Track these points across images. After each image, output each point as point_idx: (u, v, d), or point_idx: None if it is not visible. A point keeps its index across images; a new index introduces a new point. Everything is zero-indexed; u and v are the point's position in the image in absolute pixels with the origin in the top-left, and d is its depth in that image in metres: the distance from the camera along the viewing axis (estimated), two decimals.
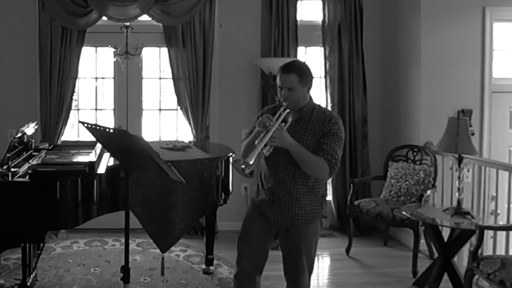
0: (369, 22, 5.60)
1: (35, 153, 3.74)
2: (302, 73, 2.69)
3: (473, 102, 5.03)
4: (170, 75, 5.42)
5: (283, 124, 2.62)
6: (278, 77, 2.72)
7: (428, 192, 4.53)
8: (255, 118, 2.84)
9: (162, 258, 4.10)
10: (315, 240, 2.80)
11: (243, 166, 2.49)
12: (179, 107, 5.47)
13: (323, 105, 5.44)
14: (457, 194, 3.90)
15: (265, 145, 2.55)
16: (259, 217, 2.81)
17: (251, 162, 2.47)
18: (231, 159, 4.13)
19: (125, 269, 3.01)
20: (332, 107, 5.50)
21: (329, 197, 5.66)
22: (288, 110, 2.65)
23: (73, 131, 5.84)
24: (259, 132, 2.57)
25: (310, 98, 2.78)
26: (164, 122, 5.73)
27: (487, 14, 5.00)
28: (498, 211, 4.26)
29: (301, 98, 2.71)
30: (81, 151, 3.74)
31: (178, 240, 3.84)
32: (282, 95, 2.70)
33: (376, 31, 5.71)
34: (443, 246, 3.94)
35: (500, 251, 4.09)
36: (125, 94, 5.54)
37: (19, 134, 3.42)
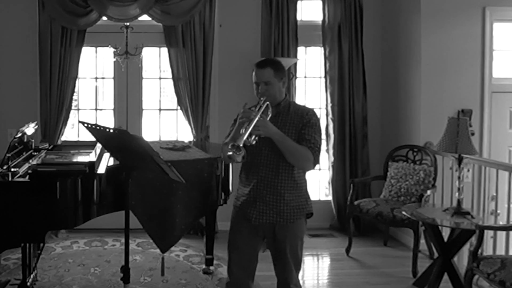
0: (369, 22, 5.60)
1: (35, 153, 3.74)
2: (277, 67, 2.77)
3: (473, 102, 5.03)
4: (170, 75, 5.42)
5: (265, 116, 2.65)
6: (253, 74, 2.78)
7: (428, 192, 4.53)
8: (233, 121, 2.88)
9: (162, 258, 4.10)
10: (301, 238, 2.82)
11: (229, 153, 2.49)
12: (179, 107, 5.47)
13: (323, 105, 5.56)
14: (457, 194, 3.90)
15: (250, 135, 2.56)
16: (244, 221, 2.80)
17: (241, 144, 2.46)
18: None
19: (125, 269, 3.01)
20: (332, 107, 5.50)
21: (329, 197, 5.67)
22: (268, 103, 2.70)
23: (73, 131, 5.85)
24: (242, 123, 2.58)
25: (286, 94, 2.85)
26: (164, 122, 5.73)
27: (487, 14, 5.00)
28: (498, 211, 4.26)
29: (277, 93, 2.77)
30: (81, 151, 3.74)
31: (178, 240, 3.84)
32: (259, 91, 2.75)
33: (376, 31, 5.71)
34: (443, 246, 3.94)
35: (500, 251, 4.09)
36: (125, 94, 5.54)
37: (19, 134, 3.42)
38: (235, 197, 2.90)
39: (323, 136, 5.56)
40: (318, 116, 2.83)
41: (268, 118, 2.67)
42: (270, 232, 2.77)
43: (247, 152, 2.75)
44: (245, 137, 2.49)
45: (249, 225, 2.78)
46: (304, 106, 2.86)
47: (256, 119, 2.55)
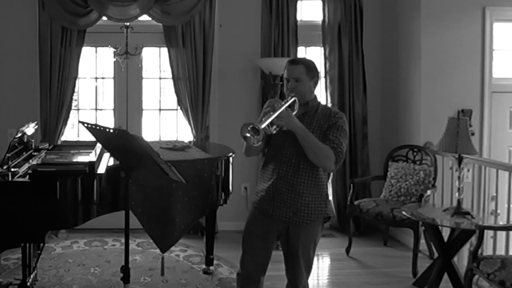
0: (369, 22, 5.60)
1: (35, 153, 3.74)
2: (309, 66, 2.77)
3: (473, 102, 5.03)
4: (170, 75, 5.42)
5: (290, 110, 2.66)
6: (285, 70, 2.79)
7: (428, 192, 4.53)
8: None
9: (162, 258, 4.10)
10: (314, 241, 2.80)
11: (247, 134, 2.48)
12: (179, 107, 5.47)
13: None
14: (457, 194, 3.90)
15: (272, 124, 2.56)
16: (261, 217, 2.80)
17: (260, 127, 2.45)
18: (231, 159, 4.13)
19: (125, 269, 3.01)
20: (332, 107, 5.50)
21: (329, 197, 5.65)
22: (295, 98, 2.69)
23: (73, 131, 5.84)
24: (267, 112, 2.60)
25: (315, 96, 2.84)
26: (164, 122, 5.73)
27: (487, 14, 5.00)
28: (498, 211, 4.26)
29: (307, 91, 2.77)
30: (81, 151, 3.73)
31: (178, 240, 3.84)
32: (288, 87, 2.75)
33: (376, 31, 5.71)
34: (443, 246, 3.94)
35: (500, 251, 4.09)
36: (125, 94, 5.54)
37: (19, 134, 3.42)
38: (255, 192, 2.90)
39: None
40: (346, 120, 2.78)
41: (295, 112, 2.66)
42: (284, 230, 2.77)
43: (271, 149, 2.78)
44: (266, 123, 2.49)
45: (265, 221, 2.78)
46: (332, 108, 2.85)
47: (281, 110, 2.55)
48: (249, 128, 2.48)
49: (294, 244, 2.76)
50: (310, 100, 2.79)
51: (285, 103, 2.63)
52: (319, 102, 2.84)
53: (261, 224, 2.81)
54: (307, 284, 2.86)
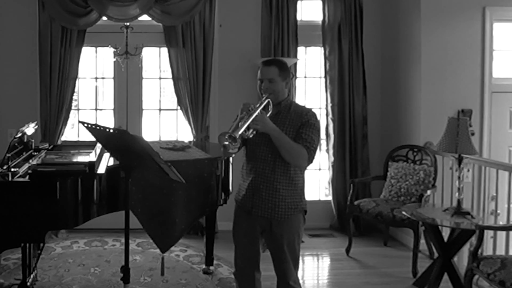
0: (369, 22, 5.60)
1: (35, 153, 3.74)
2: (282, 67, 2.87)
3: (473, 102, 5.03)
4: (170, 75, 5.42)
5: (264, 112, 2.75)
6: (259, 71, 2.88)
7: (428, 192, 4.53)
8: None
9: (162, 258, 4.10)
10: (298, 234, 2.89)
11: (225, 143, 2.58)
12: (179, 107, 5.47)
13: (323, 105, 5.56)
14: (457, 194, 3.90)
15: (248, 129, 2.65)
16: (244, 215, 2.91)
17: (237, 135, 2.54)
18: (231, 159, 4.13)
19: (125, 269, 3.01)
20: (332, 107, 5.50)
21: (329, 197, 5.67)
22: (269, 99, 2.79)
23: (73, 131, 5.85)
24: (242, 116, 2.67)
25: (288, 95, 2.95)
26: (164, 122, 5.73)
27: (487, 14, 5.00)
28: (498, 211, 4.26)
29: (280, 91, 2.86)
30: (81, 151, 3.74)
31: (178, 240, 3.84)
32: (262, 88, 2.84)
33: (376, 31, 5.71)
34: (443, 246, 3.95)
35: (500, 251, 4.09)
36: (125, 94, 5.54)
37: (19, 134, 3.42)
38: (237, 191, 3.01)
39: (323, 136, 5.57)
40: (318, 117, 2.90)
41: (268, 115, 2.75)
42: (267, 226, 2.86)
43: (249, 148, 2.88)
44: (242, 130, 2.58)
45: (248, 218, 2.88)
46: (304, 107, 2.93)
47: (256, 113, 2.64)
48: (226, 137, 2.57)
49: (278, 239, 2.83)
50: (282, 100, 2.88)
51: (260, 105, 2.72)
52: (292, 101, 2.95)
53: (245, 221, 2.91)
54: (297, 278, 2.90)
